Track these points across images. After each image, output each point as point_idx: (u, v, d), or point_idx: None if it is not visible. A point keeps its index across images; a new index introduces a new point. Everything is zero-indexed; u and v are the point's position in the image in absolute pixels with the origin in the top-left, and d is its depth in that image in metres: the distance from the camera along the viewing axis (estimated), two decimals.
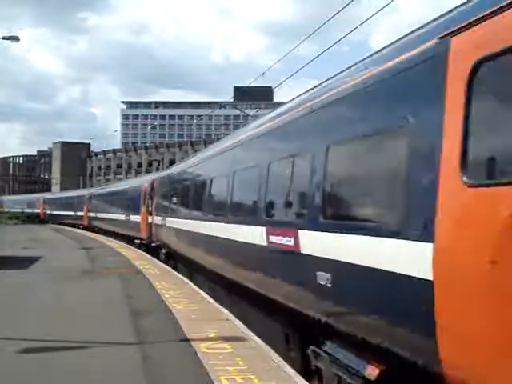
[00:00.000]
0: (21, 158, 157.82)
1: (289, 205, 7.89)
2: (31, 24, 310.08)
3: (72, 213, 53.09)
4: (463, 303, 4.03)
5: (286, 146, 8.18)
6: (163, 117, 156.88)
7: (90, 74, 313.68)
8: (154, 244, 23.66)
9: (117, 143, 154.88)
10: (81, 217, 49.19)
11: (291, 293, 7.39)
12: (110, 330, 9.08)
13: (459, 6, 4.67)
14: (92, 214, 44.64)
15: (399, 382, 5.20)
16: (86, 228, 46.74)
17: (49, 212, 65.84)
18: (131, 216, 29.26)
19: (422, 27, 5.29)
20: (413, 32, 5.44)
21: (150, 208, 24.34)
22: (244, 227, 9.59)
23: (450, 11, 4.81)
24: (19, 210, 75.58)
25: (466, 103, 4.09)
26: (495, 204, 3.77)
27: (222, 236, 11.17)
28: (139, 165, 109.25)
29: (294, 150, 7.65)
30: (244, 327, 9.32)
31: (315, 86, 7.96)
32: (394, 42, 5.82)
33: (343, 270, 5.79)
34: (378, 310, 5.18)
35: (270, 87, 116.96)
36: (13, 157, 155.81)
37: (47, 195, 74.91)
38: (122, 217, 32.16)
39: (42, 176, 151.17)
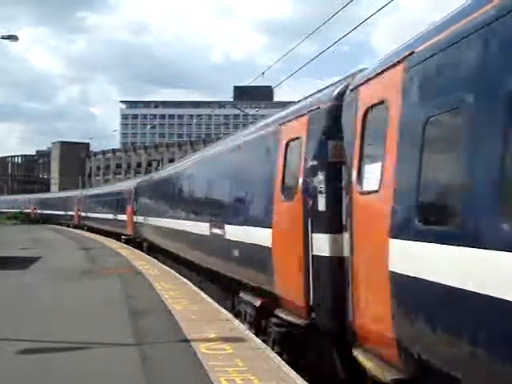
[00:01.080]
0: (19, 158, 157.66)
1: None
2: (30, 23, 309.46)
3: (111, 216, 36.86)
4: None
5: None
6: (163, 116, 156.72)
7: (89, 73, 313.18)
8: None
9: (116, 143, 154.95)
10: (122, 223, 32.88)
11: None
12: (110, 331, 9.08)
13: None
14: (140, 219, 26.72)
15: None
16: (130, 242, 30.27)
17: (83, 214, 49.41)
18: (228, 227, 11.24)
19: None
20: None
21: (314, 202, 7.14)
22: None
23: None
24: (56, 212, 60.75)
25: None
26: None
27: None
28: (138, 165, 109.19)
29: None
30: (244, 328, 9.32)
31: None
32: None
33: None
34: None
35: (270, 87, 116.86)
36: (11, 156, 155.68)
37: (85, 191, 55.87)
38: (203, 227, 13.34)
39: (40, 176, 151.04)
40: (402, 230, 5.08)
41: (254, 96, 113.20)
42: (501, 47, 3.98)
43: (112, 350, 7.94)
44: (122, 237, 32.59)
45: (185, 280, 15.50)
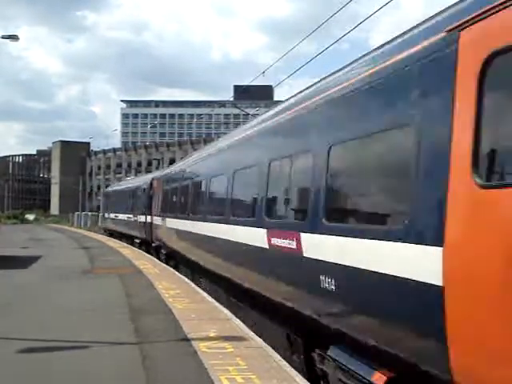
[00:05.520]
0: (20, 157, 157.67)
1: None
2: (29, 22, 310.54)
3: (130, 216, 30.31)
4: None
5: None
6: (163, 116, 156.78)
7: (89, 72, 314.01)
8: None
9: (116, 142, 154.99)
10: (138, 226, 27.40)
11: None
12: (110, 330, 9.04)
13: None
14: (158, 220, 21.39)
15: None
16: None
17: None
18: (309, 237, 6.56)
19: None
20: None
21: None
22: None
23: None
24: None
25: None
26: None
27: None
28: (139, 164, 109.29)
29: None
30: (244, 327, 9.27)
31: None
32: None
33: None
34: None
35: (271, 86, 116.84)
36: (12, 156, 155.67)
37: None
38: (253, 234, 8.64)
39: (41, 175, 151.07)
40: None
41: (255, 95, 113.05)
42: None
43: (112, 349, 7.91)
44: (135, 240, 28.18)
45: (185, 279, 15.47)
